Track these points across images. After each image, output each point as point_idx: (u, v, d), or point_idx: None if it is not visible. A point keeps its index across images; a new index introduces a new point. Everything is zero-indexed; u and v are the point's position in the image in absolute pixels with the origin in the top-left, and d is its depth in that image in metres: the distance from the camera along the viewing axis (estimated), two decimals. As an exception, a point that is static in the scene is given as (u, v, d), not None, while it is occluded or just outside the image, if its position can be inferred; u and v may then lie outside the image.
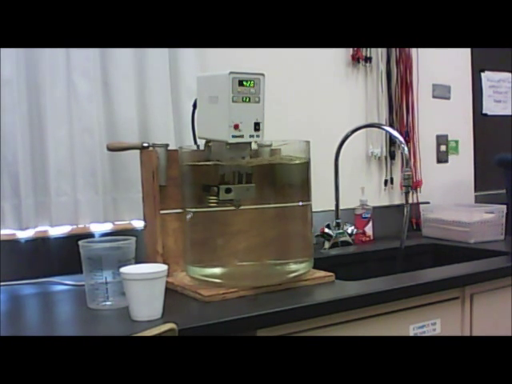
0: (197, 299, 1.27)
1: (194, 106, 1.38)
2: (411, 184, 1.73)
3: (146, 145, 1.47)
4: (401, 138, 1.79)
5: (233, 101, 1.24)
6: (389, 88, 2.16)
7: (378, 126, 2.07)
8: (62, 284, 1.47)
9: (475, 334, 1.48)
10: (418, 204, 2.17)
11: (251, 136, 1.27)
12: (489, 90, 2.47)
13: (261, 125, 1.28)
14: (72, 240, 1.36)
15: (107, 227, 1.65)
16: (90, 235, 1.60)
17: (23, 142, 1.50)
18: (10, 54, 1.45)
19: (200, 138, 1.35)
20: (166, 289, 1.16)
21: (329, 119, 2.04)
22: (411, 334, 1.36)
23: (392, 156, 2.18)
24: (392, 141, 2.16)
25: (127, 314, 1.15)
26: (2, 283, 1.45)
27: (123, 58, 1.59)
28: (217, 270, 1.35)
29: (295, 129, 1.87)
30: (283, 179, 1.39)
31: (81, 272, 1.27)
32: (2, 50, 1.42)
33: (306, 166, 1.42)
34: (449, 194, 2.31)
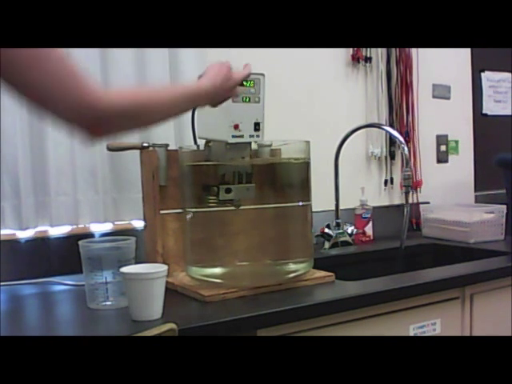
0: (197, 299, 1.27)
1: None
2: (411, 184, 1.73)
3: (145, 145, 1.47)
4: (401, 138, 1.79)
5: (233, 101, 1.24)
6: (389, 88, 2.16)
7: (378, 126, 2.07)
8: (62, 284, 1.47)
9: (475, 334, 1.48)
10: (418, 204, 2.17)
11: (251, 136, 1.27)
12: (489, 89, 2.47)
13: (261, 125, 1.28)
14: (72, 240, 1.36)
15: (107, 227, 1.65)
16: (90, 235, 1.60)
17: (23, 141, 1.50)
18: (10, 53, 1.45)
19: (200, 138, 1.35)
20: (166, 289, 1.16)
21: (329, 119, 2.04)
22: (411, 333, 1.36)
23: (392, 156, 2.18)
24: (392, 141, 2.16)
25: (127, 314, 1.15)
26: (2, 283, 1.45)
27: (123, 58, 1.60)
28: (217, 270, 1.35)
29: (295, 129, 1.87)
30: (283, 179, 1.39)
31: (81, 272, 1.27)
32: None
33: (305, 165, 1.42)
34: (449, 193, 2.31)
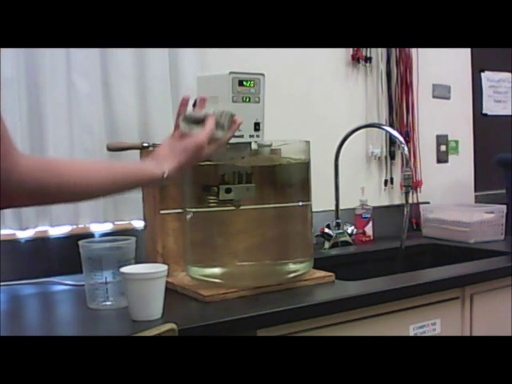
0: (197, 299, 1.27)
1: (194, 105, 1.38)
2: (411, 184, 1.73)
3: (145, 145, 1.47)
4: (401, 138, 1.79)
5: (233, 101, 1.24)
6: (389, 88, 2.16)
7: (378, 126, 2.07)
8: (62, 284, 1.47)
9: (475, 334, 1.48)
10: (418, 204, 2.17)
11: (251, 136, 1.27)
12: (489, 89, 2.47)
13: (261, 125, 1.28)
14: (72, 240, 1.36)
15: (107, 227, 1.65)
16: (90, 235, 1.60)
17: (23, 141, 1.50)
18: (10, 53, 1.45)
19: (200, 137, 1.35)
20: (166, 289, 1.16)
21: (329, 119, 2.04)
22: (411, 334, 1.36)
23: (392, 156, 2.18)
24: (392, 141, 2.16)
25: (127, 314, 1.15)
26: (2, 283, 1.45)
27: (123, 58, 1.60)
28: (217, 270, 1.35)
29: (295, 129, 1.87)
30: (283, 179, 1.39)
31: (81, 272, 1.27)
32: (2, 50, 1.42)
33: (305, 166, 1.42)
34: (449, 193, 2.31)
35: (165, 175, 1.06)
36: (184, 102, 1.20)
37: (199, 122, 1.15)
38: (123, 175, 1.02)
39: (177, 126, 1.17)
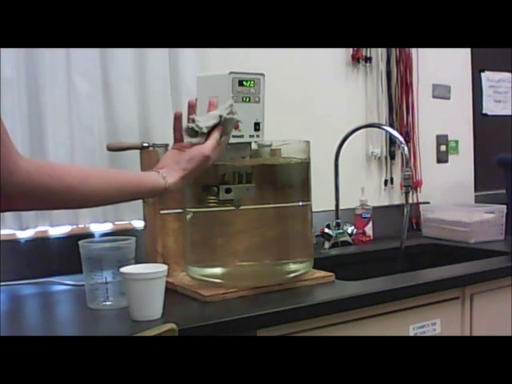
0: (197, 299, 1.27)
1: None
2: (411, 184, 1.74)
3: (146, 145, 1.47)
4: (401, 138, 1.79)
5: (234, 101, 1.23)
6: (389, 88, 2.16)
7: (378, 126, 2.07)
8: (62, 284, 1.47)
9: (475, 334, 1.48)
10: (418, 204, 2.17)
11: (251, 136, 1.27)
12: (489, 89, 2.47)
13: (261, 125, 1.28)
14: (72, 240, 1.36)
15: (107, 227, 1.65)
16: (90, 235, 1.60)
17: (23, 142, 1.50)
18: (10, 53, 1.45)
19: (200, 137, 1.35)
20: (166, 289, 1.16)
21: (329, 119, 2.04)
22: (411, 334, 1.36)
23: (392, 156, 2.18)
24: (392, 141, 2.16)
25: (127, 314, 1.15)
26: (2, 283, 1.45)
27: (123, 58, 1.60)
28: (217, 270, 1.35)
29: (295, 129, 1.87)
30: (283, 179, 1.39)
31: (81, 272, 1.27)
32: (2, 50, 1.42)
33: (306, 166, 1.42)
34: (449, 193, 2.31)
35: (167, 185, 1.06)
36: (192, 105, 1.19)
37: (203, 133, 1.14)
38: (128, 183, 1.01)
39: (178, 136, 1.17)
